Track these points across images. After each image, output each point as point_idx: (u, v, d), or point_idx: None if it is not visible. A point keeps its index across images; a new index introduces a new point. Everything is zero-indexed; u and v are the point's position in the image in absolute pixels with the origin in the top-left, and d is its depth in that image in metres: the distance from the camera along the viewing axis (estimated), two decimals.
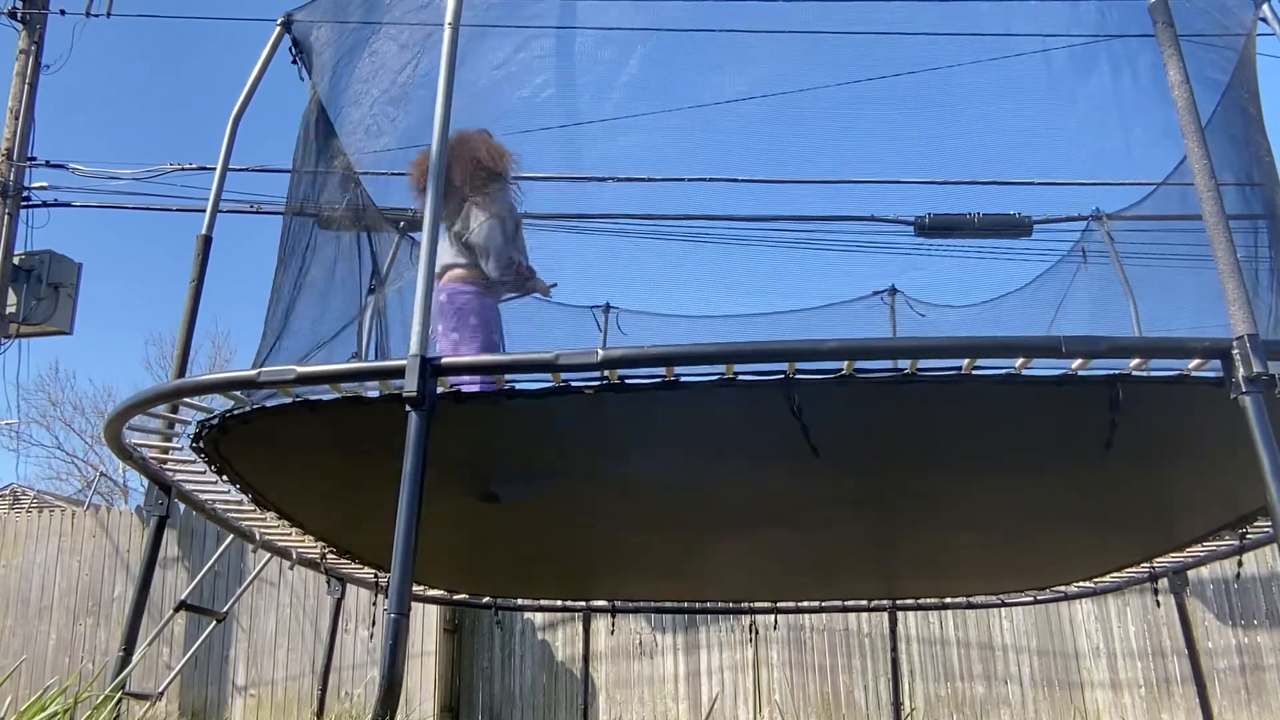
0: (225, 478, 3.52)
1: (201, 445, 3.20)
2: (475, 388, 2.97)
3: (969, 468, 3.39)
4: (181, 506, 4.11)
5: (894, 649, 6.31)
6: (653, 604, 6.38)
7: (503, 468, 3.43)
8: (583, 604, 6.17)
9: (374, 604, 5.49)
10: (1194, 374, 2.64)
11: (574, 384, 2.70)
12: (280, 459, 3.43)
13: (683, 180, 4.58)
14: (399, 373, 2.59)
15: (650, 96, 3.91)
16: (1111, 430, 2.58)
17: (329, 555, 4.71)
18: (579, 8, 3.82)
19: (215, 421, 3.02)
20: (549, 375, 2.68)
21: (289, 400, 2.86)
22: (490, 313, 3.95)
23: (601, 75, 3.84)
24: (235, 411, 2.97)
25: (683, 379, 2.71)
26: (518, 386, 2.79)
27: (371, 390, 2.81)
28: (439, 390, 2.63)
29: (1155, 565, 4.87)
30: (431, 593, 5.70)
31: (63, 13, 9.27)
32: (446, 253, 3.85)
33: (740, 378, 2.68)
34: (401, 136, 3.68)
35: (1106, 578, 5.22)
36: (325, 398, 2.84)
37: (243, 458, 3.35)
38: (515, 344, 4.16)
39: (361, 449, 3.20)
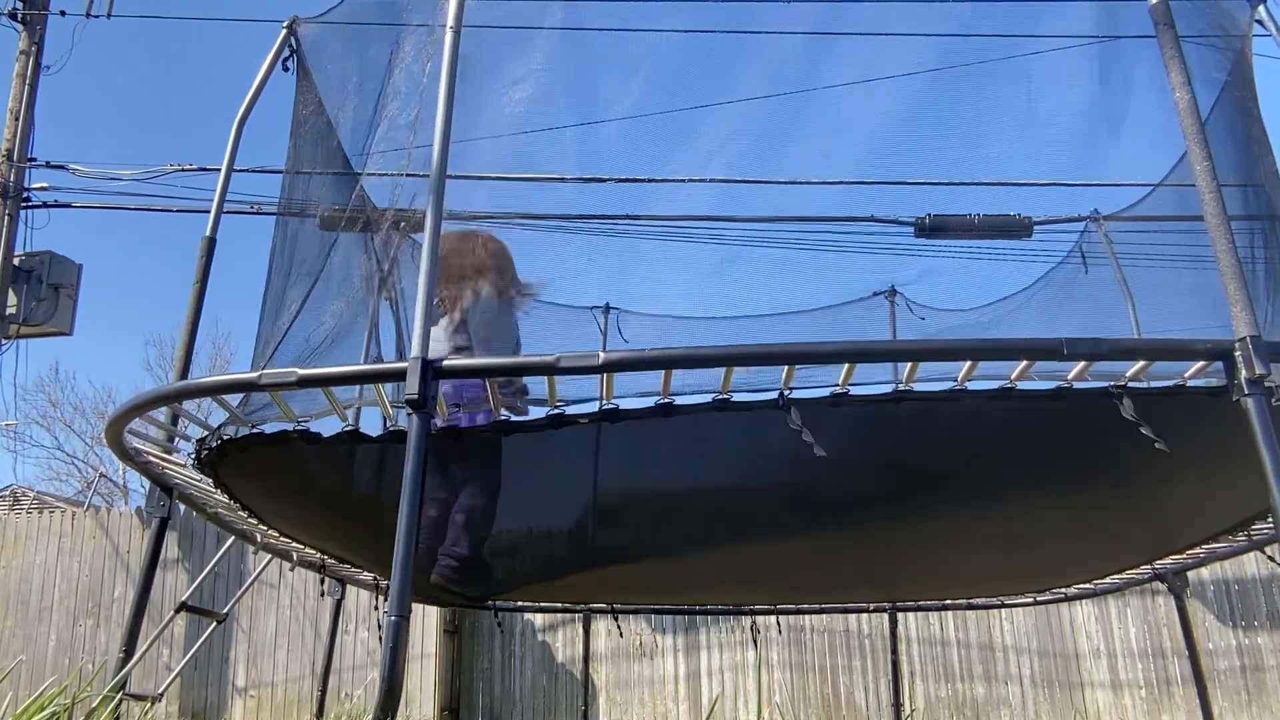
0: (228, 498, 3.52)
1: (202, 462, 3.20)
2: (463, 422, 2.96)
3: (969, 481, 3.35)
4: (182, 508, 4.10)
5: (894, 650, 6.30)
6: (653, 606, 6.37)
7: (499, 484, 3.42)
8: (583, 605, 6.16)
9: (375, 608, 5.47)
10: (1191, 382, 2.63)
11: (570, 415, 2.73)
12: (278, 483, 3.41)
13: (683, 182, 4.58)
14: (400, 375, 2.59)
15: (656, 97, 3.91)
16: (1151, 440, 2.56)
17: (329, 561, 4.70)
18: (589, 13, 3.82)
19: (215, 444, 3.02)
20: (546, 406, 2.76)
21: (289, 427, 2.86)
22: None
23: (612, 78, 3.84)
24: (235, 435, 2.97)
25: (679, 404, 2.71)
26: (513, 420, 2.83)
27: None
28: (438, 422, 2.65)
29: (1156, 566, 4.86)
30: None
31: (63, 13, 9.28)
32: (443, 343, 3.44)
33: (734, 398, 2.68)
34: (415, 149, 3.66)
35: (1107, 579, 5.21)
36: (325, 433, 2.85)
37: (240, 482, 3.33)
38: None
39: (360, 481, 3.20)
